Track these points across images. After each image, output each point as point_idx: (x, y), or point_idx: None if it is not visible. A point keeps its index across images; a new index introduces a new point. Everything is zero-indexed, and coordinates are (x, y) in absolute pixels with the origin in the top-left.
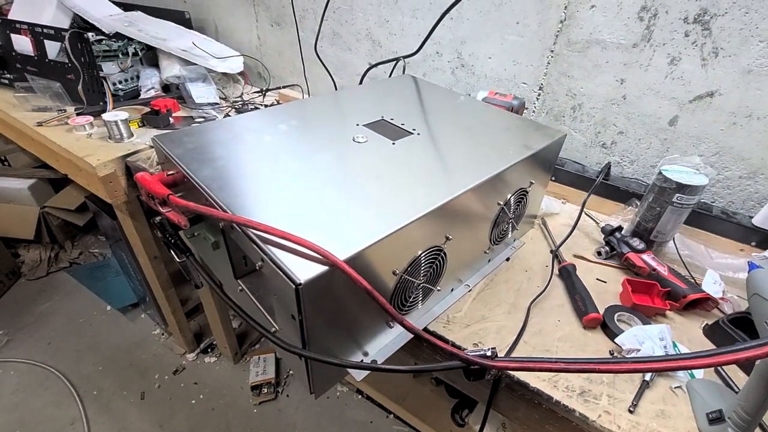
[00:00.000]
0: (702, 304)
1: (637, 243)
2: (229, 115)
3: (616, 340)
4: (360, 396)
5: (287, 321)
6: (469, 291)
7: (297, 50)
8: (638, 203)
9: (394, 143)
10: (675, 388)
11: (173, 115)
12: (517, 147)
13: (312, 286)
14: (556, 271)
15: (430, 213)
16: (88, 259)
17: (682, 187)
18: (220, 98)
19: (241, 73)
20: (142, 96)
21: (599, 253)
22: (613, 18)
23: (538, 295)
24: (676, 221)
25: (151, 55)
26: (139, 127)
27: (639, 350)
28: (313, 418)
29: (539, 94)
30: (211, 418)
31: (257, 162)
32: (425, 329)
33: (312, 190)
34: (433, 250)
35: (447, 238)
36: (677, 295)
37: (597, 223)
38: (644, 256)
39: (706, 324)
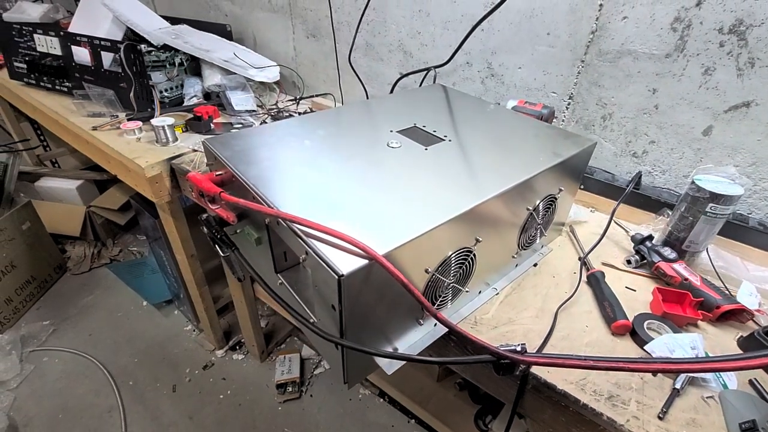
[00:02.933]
0: (737, 315)
1: (668, 252)
2: (266, 122)
3: (645, 347)
4: (382, 399)
5: (326, 312)
6: (496, 294)
7: (331, 60)
8: (670, 213)
9: (426, 149)
10: (707, 398)
11: (214, 121)
12: (547, 154)
13: (352, 278)
14: (584, 278)
15: (461, 215)
16: (127, 256)
17: (715, 197)
18: (257, 106)
19: (277, 82)
20: (185, 103)
21: (629, 262)
22: (646, 29)
23: (566, 300)
24: (710, 231)
25: (194, 65)
26: (183, 131)
27: None
28: (336, 419)
29: (569, 103)
30: (237, 413)
31: (299, 164)
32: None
33: (350, 190)
34: (463, 251)
35: (477, 240)
36: (710, 306)
37: (627, 231)
38: (676, 266)
39: (741, 336)
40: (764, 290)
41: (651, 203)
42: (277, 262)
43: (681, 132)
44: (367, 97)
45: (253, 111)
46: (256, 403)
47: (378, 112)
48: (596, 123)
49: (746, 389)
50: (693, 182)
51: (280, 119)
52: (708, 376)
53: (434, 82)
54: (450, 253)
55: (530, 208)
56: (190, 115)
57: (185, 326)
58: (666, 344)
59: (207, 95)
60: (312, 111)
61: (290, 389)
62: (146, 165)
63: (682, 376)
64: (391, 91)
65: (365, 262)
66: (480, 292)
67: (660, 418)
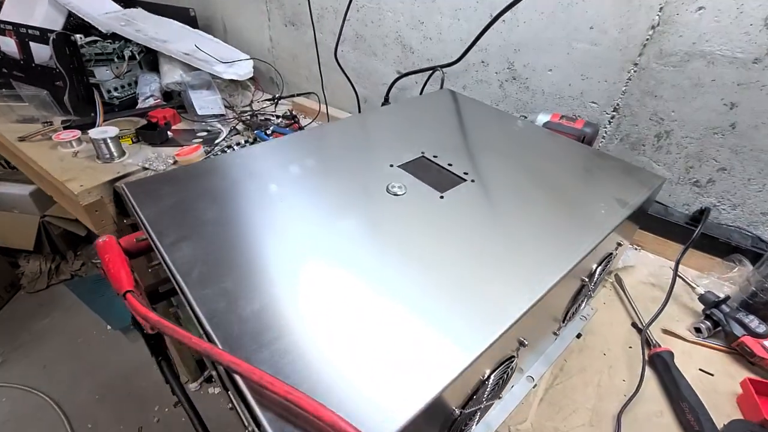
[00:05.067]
0: None
1: (755, 324)
2: (237, 129)
3: None
4: None
5: None
6: (534, 387)
7: (314, 53)
8: (742, 260)
9: (442, 196)
10: None
11: (173, 128)
12: (609, 202)
13: None
14: (645, 356)
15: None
16: (90, 270)
17: None
18: (226, 107)
19: (251, 79)
20: (139, 105)
21: (698, 330)
22: (729, 24)
23: (630, 400)
24: None
25: (150, 59)
26: (133, 143)
27: None
28: None
29: (613, 117)
30: None
31: (259, 230)
32: None
33: (335, 288)
34: (503, 364)
35: (521, 344)
36: None
37: (692, 286)
38: None
39: None
40: None
41: (716, 246)
42: None
43: (765, 159)
44: (358, 100)
45: (221, 116)
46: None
47: (373, 133)
48: (647, 143)
49: None
50: None
51: (254, 125)
52: None
53: (441, 86)
54: (488, 372)
55: (585, 278)
56: (143, 122)
57: None
58: None
59: (168, 95)
60: (292, 115)
61: None
62: (81, 190)
63: None
64: (387, 94)
65: None
66: (512, 387)
67: None
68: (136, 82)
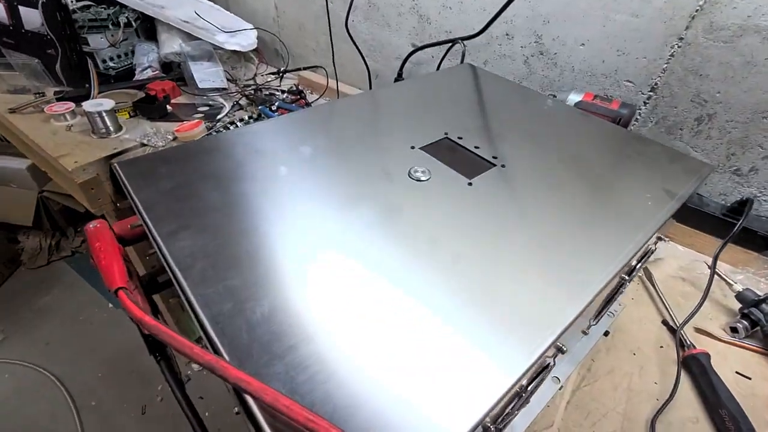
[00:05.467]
0: None
1: None
2: (239, 104)
3: None
4: None
5: None
6: (560, 389)
7: (322, 24)
8: None
9: (470, 183)
10: None
11: (172, 102)
12: (655, 193)
13: None
14: (680, 357)
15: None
16: None
17: None
18: (228, 81)
19: (254, 50)
20: (137, 76)
21: (734, 330)
22: None
23: (664, 406)
24: None
25: (148, 26)
26: (131, 117)
27: None
28: None
29: (649, 97)
30: None
31: (268, 219)
32: None
33: (356, 289)
34: (540, 372)
35: (559, 351)
36: None
37: (727, 282)
38: None
39: None
40: None
41: (753, 239)
42: None
43: None
44: (369, 75)
45: (224, 89)
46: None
47: (389, 111)
48: (686, 126)
49: None
50: None
51: (258, 100)
52: None
53: (462, 60)
54: (525, 384)
55: (626, 275)
56: (141, 94)
57: None
58: None
59: (167, 66)
60: (298, 90)
61: None
62: (75, 167)
63: None
64: (401, 69)
65: None
66: None
67: None
68: (132, 52)
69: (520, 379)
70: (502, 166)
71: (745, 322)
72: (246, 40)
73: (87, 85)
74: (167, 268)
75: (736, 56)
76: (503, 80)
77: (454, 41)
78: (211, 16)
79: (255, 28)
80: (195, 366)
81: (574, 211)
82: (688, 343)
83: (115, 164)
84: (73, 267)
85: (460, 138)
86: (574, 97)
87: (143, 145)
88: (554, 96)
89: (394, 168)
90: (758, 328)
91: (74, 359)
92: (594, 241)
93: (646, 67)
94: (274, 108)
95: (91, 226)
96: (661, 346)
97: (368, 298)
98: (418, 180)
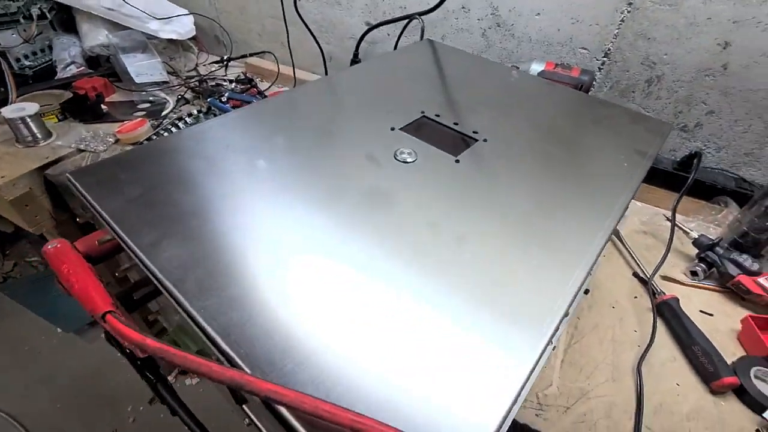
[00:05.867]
0: None
1: (749, 262)
2: (185, 98)
3: (766, 414)
4: None
5: None
6: (554, 349)
7: (266, 5)
8: (728, 201)
9: (457, 160)
10: None
11: (106, 100)
12: (629, 154)
13: None
14: (653, 305)
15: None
16: (25, 270)
17: None
18: (168, 73)
19: (193, 39)
20: (59, 75)
21: (694, 273)
22: None
23: (646, 351)
24: None
25: (65, 18)
26: (60, 120)
27: None
28: None
29: (603, 63)
30: None
31: (252, 218)
32: (516, 425)
33: (366, 287)
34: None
35: (565, 315)
36: None
37: (685, 231)
38: (762, 280)
39: None
40: None
41: (702, 189)
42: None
43: (753, 99)
44: (323, 56)
45: (165, 83)
46: None
47: (358, 94)
48: (638, 89)
49: None
50: None
51: (205, 93)
52: None
53: (422, 36)
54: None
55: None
56: (69, 94)
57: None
58: None
59: (94, 61)
60: (248, 78)
61: None
62: (2, 182)
63: None
64: (356, 49)
65: None
66: None
67: None
68: (50, 47)
69: (537, 363)
70: (485, 140)
71: (703, 265)
72: (182, 27)
73: (2, 89)
74: (158, 284)
75: (681, 18)
76: (467, 54)
77: (410, 17)
78: (139, 1)
79: (191, 13)
80: (189, 380)
81: (561, 180)
82: (659, 290)
83: (69, 176)
84: (7, 294)
85: (437, 116)
86: (536, 67)
87: (80, 150)
88: (517, 67)
89: (379, 152)
90: (714, 269)
91: (26, 393)
92: (585, 207)
93: (599, 34)
94: (224, 99)
95: (50, 247)
96: (636, 297)
97: (374, 296)
98: (405, 162)
